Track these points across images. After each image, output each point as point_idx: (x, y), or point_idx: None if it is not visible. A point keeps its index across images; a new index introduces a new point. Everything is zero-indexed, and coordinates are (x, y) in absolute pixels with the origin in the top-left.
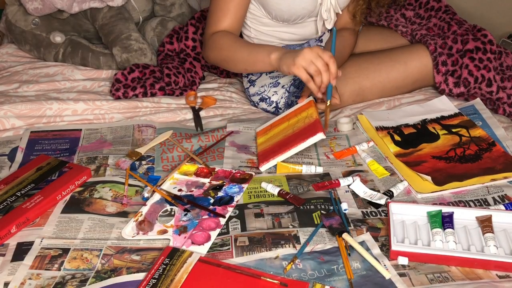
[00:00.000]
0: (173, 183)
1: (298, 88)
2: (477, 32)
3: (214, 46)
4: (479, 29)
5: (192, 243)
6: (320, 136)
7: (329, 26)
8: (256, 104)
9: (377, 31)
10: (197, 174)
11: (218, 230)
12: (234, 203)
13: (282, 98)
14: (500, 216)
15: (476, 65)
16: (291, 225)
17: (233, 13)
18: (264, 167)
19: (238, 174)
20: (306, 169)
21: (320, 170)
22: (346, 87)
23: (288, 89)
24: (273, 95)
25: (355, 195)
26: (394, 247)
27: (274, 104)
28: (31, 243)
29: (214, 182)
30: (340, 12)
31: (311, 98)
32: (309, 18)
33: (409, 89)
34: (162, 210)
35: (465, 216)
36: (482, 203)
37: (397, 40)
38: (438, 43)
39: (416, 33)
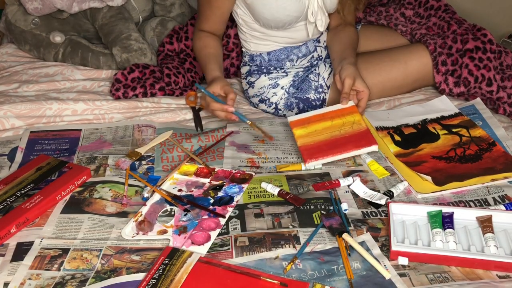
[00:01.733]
0: (173, 183)
1: (297, 89)
2: (476, 32)
3: (195, 42)
4: (478, 28)
5: (192, 243)
6: (374, 148)
7: (321, 28)
8: (256, 105)
9: (377, 30)
10: (197, 174)
11: (218, 230)
12: (234, 203)
13: (281, 99)
14: (500, 216)
15: (476, 64)
16: (291, 225)
17: (212, 22)
18: (310, 165)
19: (238, 174)
20: (306, 166)
21: (319, 166)
22: None
23: (287, 90)
24: (272, 96)
25: (355, 195)
26: (394, 247)
27: (273, 105)
28: (30, 243)
29: (214, 182)
30: (327, 13)
31: (352, 103)
32: (299, 23)
33: (409, 89)
34: (162, 210)
35: (465, 216)
36: (482, 203)
37: (397, 39)
38: (438, 43)
39: (416, 32)
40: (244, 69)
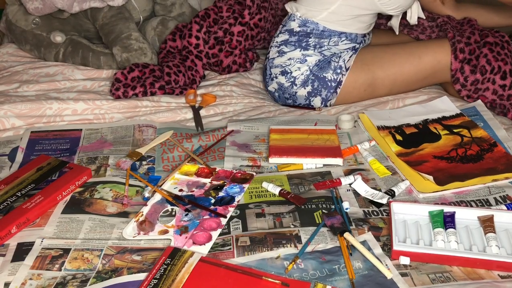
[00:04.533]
0: (174, 183)
1: (321, 69)
2: (495, 33)
3: None
4: (496, 30)
5: (193, 243)
6: (339, 161)
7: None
8: (274, 78)
9: (386, 33)
10: (198, 174)
11: (219, 230)
12: (235, 203)
13: (302, 74)
14: (502, 216)
15: (495, 56)
16: (293, 224)
17: None
18: (273, 160)
19: (239, 174)
20: (307, 165)
21: (320, 165)
22: (361, 74)
23: (311, 68)
24: (295, 70)
25: (356, 194)
26: (396, 246)
27: (292, 79)
28: (31, 244)
29: (215, 182)
30: None
31: (333, 127)
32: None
33: (419, 85)
34: (163, 211)
35: (467, 216)
36: (484, 203)
37: (405, 39)
38: (457, 32)
39: (438, 16)
40: (281, 37)
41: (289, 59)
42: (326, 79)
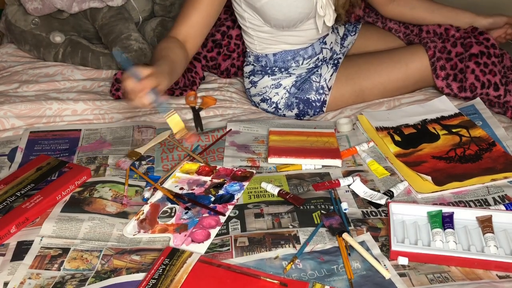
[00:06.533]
0: (175, 181)
1: (299, 89)
2: (479, 36)
3: (160, 42)
4: (480, 32)
5: (192, 241)
6: (338, 162)
7: (329, 23)
8: (257, 105)
9: (377, 31)
10: (198, 172)
11: (218, 228)
12: (234, 201)
13: (282, 98)
14: (500, 216)
15: (482, 70)
16: (291, 225)
17: (191, 23)
18: (272, 160)
19: (239, 172)
20: (306, 166)
21: (319, 166)
22: (347, 88)
23: (289, 90)
24: (274, 96)
25: (355, 195)
26: (394, 247)
27: (274, 105)
28: (31, 243)
29: (215, 181)
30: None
31: (332, 130)
32: (309, 20)
33: (410, 90)
34: (162, 211)
35: (465, 216)
36: (482, 203)
37: (397, 40)
38: (438, 47)
39: (413, 38)
40: (248, 68)
41: (264, 87)
42: (310, 100)
